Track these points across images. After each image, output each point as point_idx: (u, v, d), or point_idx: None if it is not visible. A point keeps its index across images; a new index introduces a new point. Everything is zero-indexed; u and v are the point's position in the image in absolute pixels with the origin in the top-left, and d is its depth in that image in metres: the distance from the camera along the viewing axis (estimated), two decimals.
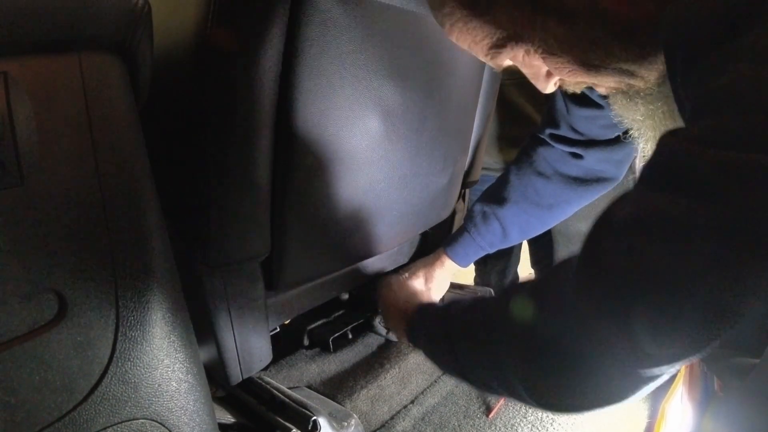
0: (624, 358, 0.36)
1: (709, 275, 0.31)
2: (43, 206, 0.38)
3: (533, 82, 0.53)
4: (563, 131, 0.78)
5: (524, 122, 1.26)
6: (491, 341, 0.49)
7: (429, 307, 0.67)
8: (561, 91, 0.74)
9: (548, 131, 0.80)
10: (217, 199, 0.57)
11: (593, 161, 0.78)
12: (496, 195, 0.87)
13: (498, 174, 1.33)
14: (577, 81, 0.50)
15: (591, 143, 0.76)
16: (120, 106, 0.42)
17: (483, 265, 1.52)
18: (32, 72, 0.38)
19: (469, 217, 0.90)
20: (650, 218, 0.34)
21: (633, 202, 0.37)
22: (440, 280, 0.91)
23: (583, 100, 0.72)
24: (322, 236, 0.72)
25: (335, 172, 0.68)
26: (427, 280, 0.91)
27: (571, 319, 0.39)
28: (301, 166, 0.63)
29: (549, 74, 0.51)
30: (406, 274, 0.91)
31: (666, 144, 0.35)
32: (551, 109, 0.79)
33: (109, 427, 0.44)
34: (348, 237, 0.77)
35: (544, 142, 0.82)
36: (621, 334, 0.35)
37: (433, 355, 0.62)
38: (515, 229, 0.86)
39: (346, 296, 1.09)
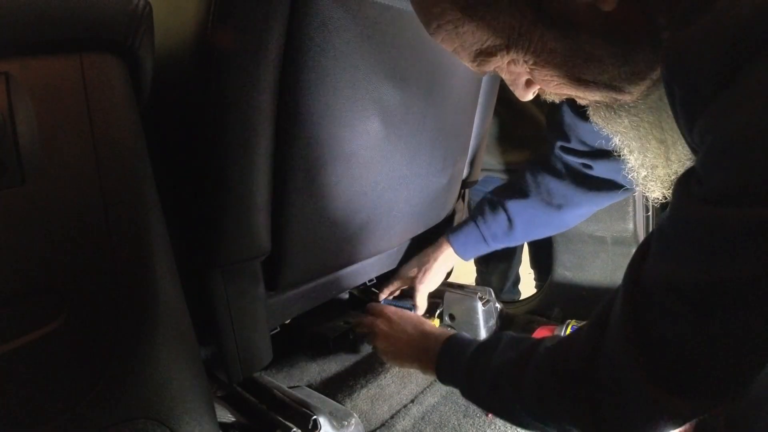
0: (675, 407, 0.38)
1: (745, 329, 0.33)
2: (44, 206, 0.38)
3: (511, 87, 0.52)
4: (573, 144, 0.79)
5: (527, 122, 1.26)
6: (547, 402, 0.48)
7: (460, 343, 0.65)
8: (568, 104, 0.74)
9: (558, 143, 0.81)
10: (218, 199, 0.58)
11: (603, 171, 0.78)
12: (507, 188, 0.88)
13: (500, 174, 1.34)
14: (560, 93, 0.49)
15: (600, 154, 0.76)
16: (121, 106, 0.42)
17: (485, 265, 1.52)
18: (34, 72, 0.38)
19: (478, 206, 0.90)
20: (684, 285, 0.35)
21: (662, 264, 0.38)
22: (433, 268, 0.90)
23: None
24: (323, 236, 0.72)
25: (335, 172, 0.68)
26: (420, 269, 0.90)
27: (623, 372, 0.40)
28: (301, 166, 0.64)
29: (529, 83, 0.50)
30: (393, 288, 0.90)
31: (685, 203, 0.36)
32: (560, 123, 0.79)
33: (110, 426, 0.43)
34: (348, 237, 0.77)
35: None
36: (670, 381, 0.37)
37: (474, 400, 0.61)
38: (521, 222, 0.86)
39: (346, 296, 1.09)
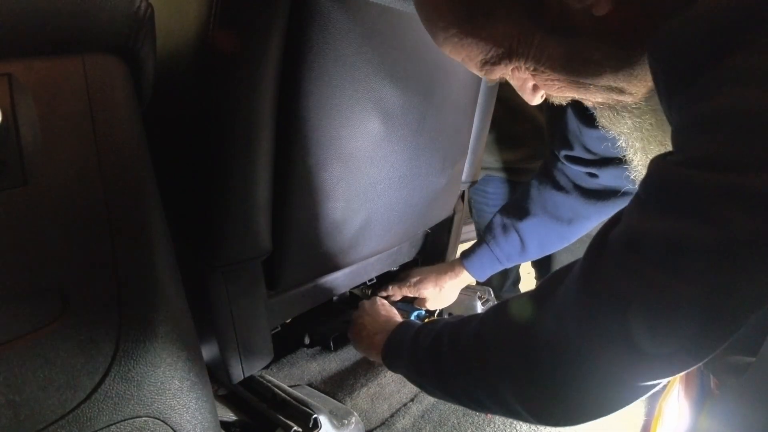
0: (621, 361, 0.37)
1: (706, 288, 0.32)
2: (47, 206, 0.39)
3: (520, 93, 0.53)
4: (577, 152, 0.79)
5: (525, 120, 1.26)
6: (483, 352, 0.48)
7: (410, 324, 0.66)
8: (572, 112, 0.74)
9: (563, 153, 0.81)
10: (219, 199, 0.58)
11: (609, 178, 0.78)
12: (515, 208, 0.88)
13: (499, 174, 1.34)
14: (564, 96, 0.50)
15: (605, 162, 0.76)
16: (123, 107, 0.42)
17: None
18: (36, 73, 0.38)
19: (488, 229, 0.90)
20: (645, 240, 0.35)
21: (628, 222, 0.38)
22: (448, 289, 0.91)
23: (594, 120, 0.73)
24: (323, 236, 0.73)
25: (336, 172, 0.69)
26: (436, 286, 0.91)
27: (569, 323, 0.40)
28: (301, 166, 0.64)
29: (536, 87, 0.51)
30: (390, 291, 0.91)
31: (660, 167, 0.36)
32: (564, 131, 0.80)
33: (112, 424, 0.44)
34: (348, 237, 0.77)
35: (561, 161, 0.83)
36: (619, 333, 0.36)
37: (415, 373, 0.60)
38: (534, 242, 0.86)
39: (346, 295, 1.10)
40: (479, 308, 0.97)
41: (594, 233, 0.44)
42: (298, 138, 0.62)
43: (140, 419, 0.46)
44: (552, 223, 0.85)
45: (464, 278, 0.92)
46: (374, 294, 0.99)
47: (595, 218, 0.84)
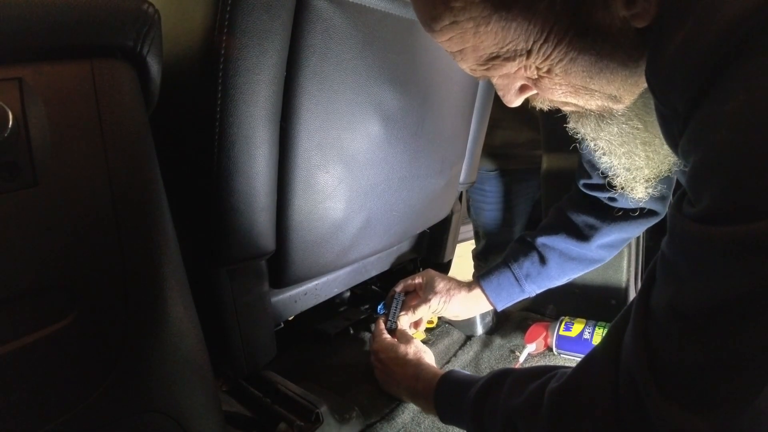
0: None
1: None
2: (56, 206, 0.39)
3: (501, 93, 0.49)
4: (595, 179, 0.78)
5: (519, 118, 1.26)
6: None
7: (454, 388, 0.63)
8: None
9: (582, 182, 0.81)
10: (224, 200, 0.58)
11: (627, 201, 0.76)
12: (536, 229, 0.87)
13: (493, 173, 1.35)
14: (562, 101, 0.47)
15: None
16: (130, 110, 0.43)
17: (483, 261, 1.53)
18: (46, 77, 0.38)
19: (508, 251, 0.88)
20: (692, 310, 0.35)
21: (666, 291, 0.38)
22: (455, 303, 0.86)
23: None
24: (325, 236, 0.73)
25: (337, 174, 0.69)
26: (443, 297, 0.86)
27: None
28: (304, 168, 0.65)
29: (524, 88, 0.48)
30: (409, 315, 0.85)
31: (681, 226, 0.36)
32: (581, 161, 0.80)
33: (119, 420, 0.44)
34: (349, 237, 0.78)
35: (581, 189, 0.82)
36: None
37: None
38: (553, 257, 0.83)
39: (347, 293, 1.11)
40: None
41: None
42: (301, 141, 0.62)
43: (146, 414, 0.46)
44: (571, 239, 0.82)
45: (476, 296, 0.86)
46: (382, 288, 0.98)
47: (614, 235, 0.82)
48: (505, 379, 0.56)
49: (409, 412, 0.76)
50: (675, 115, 0.36)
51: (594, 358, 0.46)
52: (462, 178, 1.05)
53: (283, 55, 0.56)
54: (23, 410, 0.39)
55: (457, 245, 1.19)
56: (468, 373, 0.67)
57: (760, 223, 0.30)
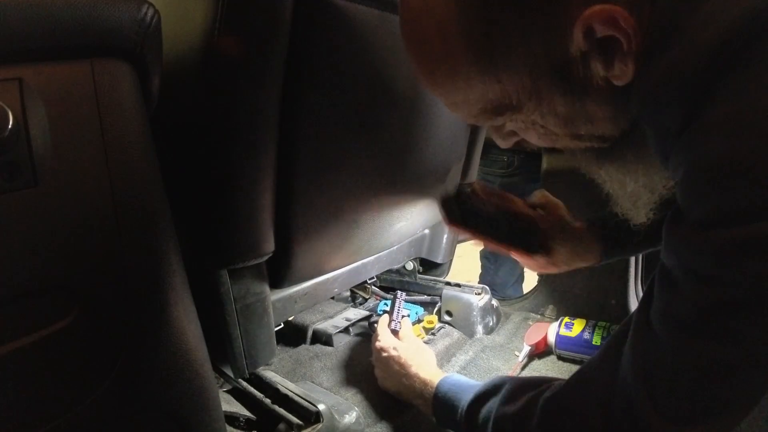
0: None
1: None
2: (57, 206, 0.39)
3: (493, 135, 0.51)
4: None
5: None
6: None
7: (452, 392, 0.64)
8: None
9: None
10: (224, 202, 0.58)
11: None
12: None
13: (493, 173, 1.35)
14: (551, 145, 0.49)
15: None
16: (130, 110, 0.43)
17: (493, 261, 1.53)
18: (46, 78, 0.38)
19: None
20: (687, 316, 0.36)
21: (663, 299, 0.38)
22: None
23: None
24: (325, 237, 0.73)
25: (337, 175, 0.69)
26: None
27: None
28: (304, 169, 0.65)
29: (514, 132, 0.49)
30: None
31: (677, 235, 0.37)
32: None
33: (119, 419, 0.44)
34: (349, 237, 0.78)
35: None
36: None
37: None
38: None
39: (347, 294, 1.11)
40: (476, 306, 0.98)
41: None
42: (301, 141, 0.62)
43: (147, 414, 0.46)
44: None
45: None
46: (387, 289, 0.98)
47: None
48: (502, 387, 0.56)
49: (409, 412, 0.76)
50: (667, 134, 0.37)
51: (590, 371, 0.47)
52: (462, 178, 1.05)
53: (282, 56, 0.56)
54: (24, 410, 0.39)
55: (457, 245, 1.19)
56: (467, 379, 0.67)
57: (753, 226, 0.31)
